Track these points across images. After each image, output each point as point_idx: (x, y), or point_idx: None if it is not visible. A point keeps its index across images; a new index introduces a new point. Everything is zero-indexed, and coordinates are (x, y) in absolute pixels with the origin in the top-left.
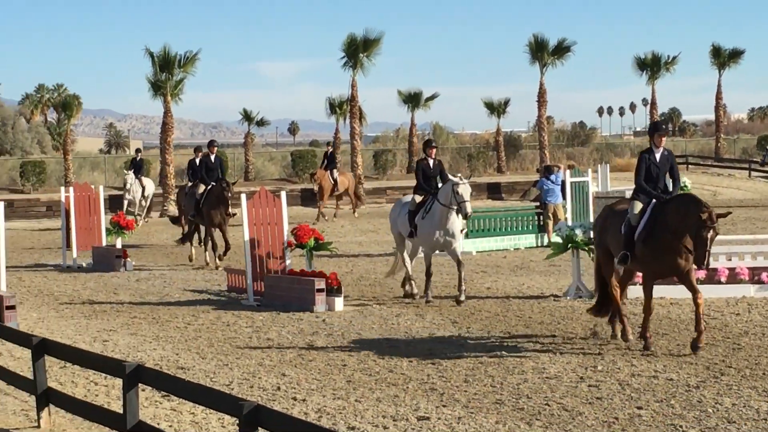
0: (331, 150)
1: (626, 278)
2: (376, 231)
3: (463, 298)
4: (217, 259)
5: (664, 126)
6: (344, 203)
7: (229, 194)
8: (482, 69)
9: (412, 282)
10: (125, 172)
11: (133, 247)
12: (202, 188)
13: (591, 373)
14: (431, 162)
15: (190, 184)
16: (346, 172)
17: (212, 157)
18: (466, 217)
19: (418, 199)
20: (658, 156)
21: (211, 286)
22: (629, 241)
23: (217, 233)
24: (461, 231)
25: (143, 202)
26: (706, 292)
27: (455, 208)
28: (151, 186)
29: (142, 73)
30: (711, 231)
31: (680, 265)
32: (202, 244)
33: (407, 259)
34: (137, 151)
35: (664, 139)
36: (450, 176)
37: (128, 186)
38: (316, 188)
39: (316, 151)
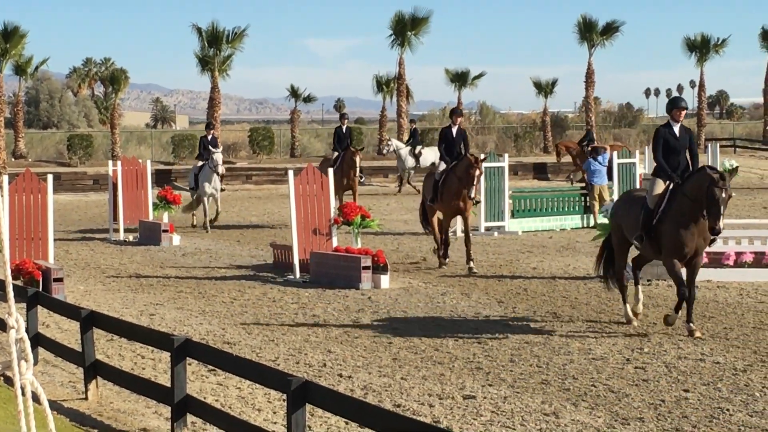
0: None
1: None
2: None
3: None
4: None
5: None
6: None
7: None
8: (530, 49)
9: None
10: (213, 150)
11: (180, 224)
12: (200, 164)
13: (637, 354)
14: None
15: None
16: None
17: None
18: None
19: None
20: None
21: (257, 261)
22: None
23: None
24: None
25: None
26: (754, 275)
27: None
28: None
29: (189, 49)
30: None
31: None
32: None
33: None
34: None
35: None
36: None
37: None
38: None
39: (362, 129)
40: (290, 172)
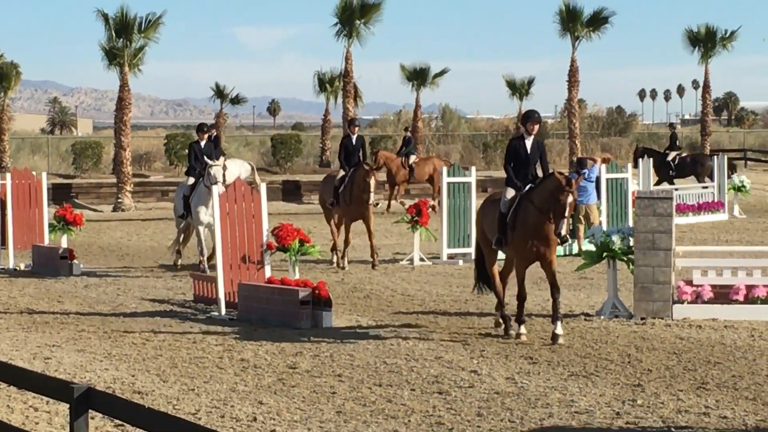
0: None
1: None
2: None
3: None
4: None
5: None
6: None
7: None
8: (502, 41)
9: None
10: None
11: (82, 247)
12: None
13: (629, 407)
14: (528, 143)
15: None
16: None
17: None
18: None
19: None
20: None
21: (174, 294)
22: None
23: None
24: None
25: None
26: (765, 313)
27: None
28: (237, 168)
29: (93, 39)
30: (568, 195)
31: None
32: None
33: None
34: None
35: (536, 127)
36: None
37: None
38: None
39: (301, 135)
40: (214, 188)
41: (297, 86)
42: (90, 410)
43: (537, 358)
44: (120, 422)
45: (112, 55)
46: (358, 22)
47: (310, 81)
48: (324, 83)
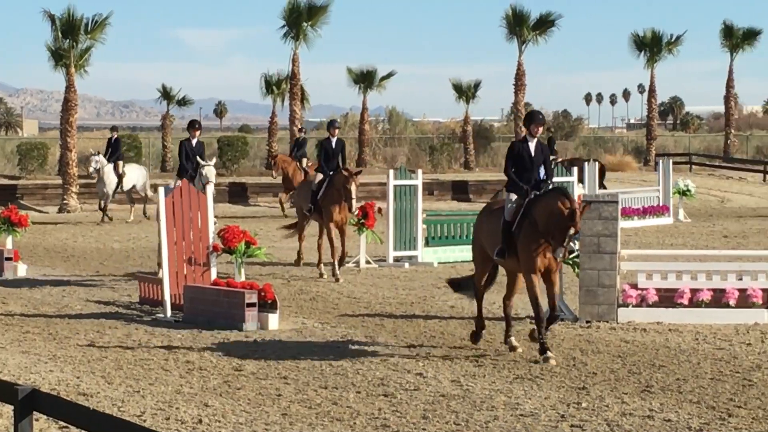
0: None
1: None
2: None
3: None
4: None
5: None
6: None
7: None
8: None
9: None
10: (92, 151)
11: (26, 248)
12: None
13: (574, 410)
14: (532, 146)
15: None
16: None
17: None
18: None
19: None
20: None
21: (119, 296)
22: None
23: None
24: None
25: (127, 194)
26: (712, 317)
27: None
28: (134, 173)
29: (40, 40)
30: (570, 228)
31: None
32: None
33: None
34: (112, 129)
35: (540, 129)
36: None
37: (100, 174)
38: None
39: (248, 138)
40: (160, 190)
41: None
42: (35, 412)
43: (482, 361)
44: (65, 424)
45: (59, 56)
46: (305, 24)
47: (257, 83)
48: (271, 85)
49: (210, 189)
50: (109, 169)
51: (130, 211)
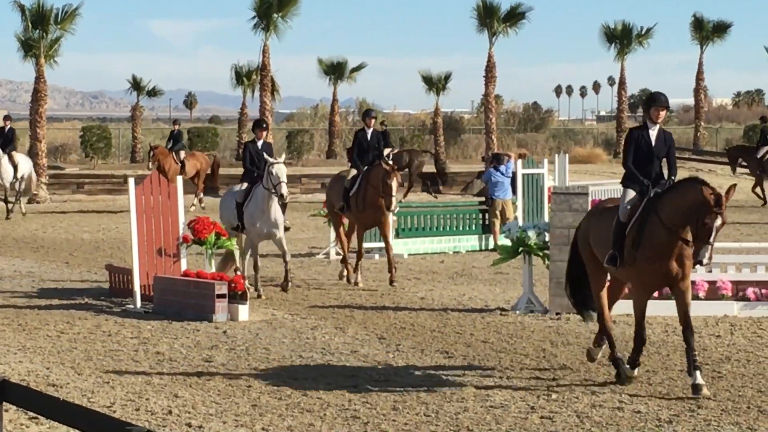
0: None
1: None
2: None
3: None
4: None
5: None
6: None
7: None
8: (419, 37)
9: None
10: (271, 161)
11: None
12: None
13: (544, 402)
14: (653, 133)
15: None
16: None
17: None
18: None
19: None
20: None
21: (89, 287)
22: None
23: None
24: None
25: (18, 185)
26: None
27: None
28: (26, 164)
29: (9, 30)
30: (717, 217)
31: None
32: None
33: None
34: (6, 118)
35: (662, 113)
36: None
37: None
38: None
39: (218, 129)
40: (131, 181)
41: (214, 79)
42: (4, 402)
43: (452, 353)
44: (34, 415)
45: (28, 47)
46: (275, 15)
47: (227, 74)
48: (241, 77)
49: (283, 190)
50: (5, 161)
51: (21, 203)
